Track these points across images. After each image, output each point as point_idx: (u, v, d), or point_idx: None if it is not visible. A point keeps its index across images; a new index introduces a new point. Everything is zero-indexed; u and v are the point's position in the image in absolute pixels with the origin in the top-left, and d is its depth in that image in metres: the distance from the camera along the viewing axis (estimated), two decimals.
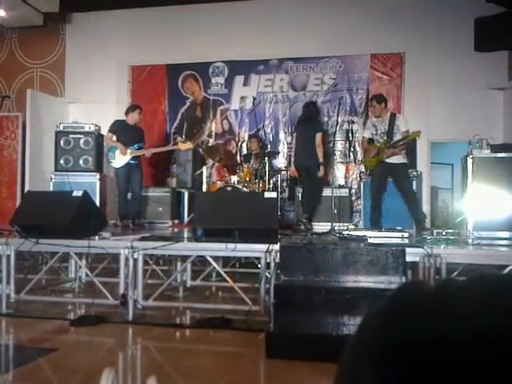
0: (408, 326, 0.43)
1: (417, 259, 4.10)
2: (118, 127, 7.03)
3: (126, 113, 7.14)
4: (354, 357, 0.46)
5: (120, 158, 6.87)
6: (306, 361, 3.25)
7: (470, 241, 4.61)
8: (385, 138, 6.09)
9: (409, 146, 6.18)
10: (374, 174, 6.33)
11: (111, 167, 7.09)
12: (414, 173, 6.76)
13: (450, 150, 8.59)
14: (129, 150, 6.87)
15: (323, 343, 3.30)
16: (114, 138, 6.95)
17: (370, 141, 6.26)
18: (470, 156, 4.74)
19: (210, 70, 9.13)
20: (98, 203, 6.47)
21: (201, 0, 8.88)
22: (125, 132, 6.95)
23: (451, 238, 4.87)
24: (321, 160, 6.82)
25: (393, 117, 6.15)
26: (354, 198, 8.06)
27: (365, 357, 0.44)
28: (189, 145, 7.41)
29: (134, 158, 6.92)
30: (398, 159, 6.11)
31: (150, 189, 7.75)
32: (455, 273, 4.34)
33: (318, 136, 6.87)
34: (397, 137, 6.05)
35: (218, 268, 4.98)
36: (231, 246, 4.31)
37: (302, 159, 6.94)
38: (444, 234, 4.96)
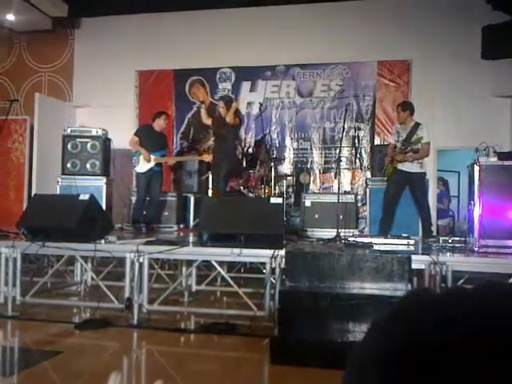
0: (412, 330, 0.43)
1: (423, 267, 4.08)
2: (143, 132, 7.12)
3: (153, 119, 7.23)
4: (359, 361, 0.46)
5: (143, 164, 6.95)
6: (311, 367, 3.24)
7: (476, 249, 4.59)
8: (401, 147, 6.06)
9: (423, 155, 6.09)
10: (389, 182, 6.31)
11: (134, 171, 7.17)
12: None
13: (457, 157, 8.58)
14: (153, 157, 6.94)
15: (328, 350, 3.29)
16: (139, 142, 7.03)
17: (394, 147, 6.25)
18: (477, 163, 4.73)
19: (217, 75, 9.16)
20: (104, 207, 6.49)
21: (208, 6, 8.92)
22: (149, 138, 7.03)
23: (457, 245, 4.85)
24: None
25: (415, 126, 6.11)
26: (360, 205, 8.05)
27: (369, 360, 0.45)
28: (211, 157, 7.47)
29: (156, 165, 7.00)
30: (414, 168, 6.06)
31: (160, 194, 7.78)
32: (461, 281, 4.32)
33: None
34: (416, 146, 5.99)
35: (223, 273, 4.98)
36: (237, 251, 4.31)
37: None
38: (450, 241, 4.94)
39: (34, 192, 7.82)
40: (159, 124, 7.16)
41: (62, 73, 9.77)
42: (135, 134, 7.11)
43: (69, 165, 7.29)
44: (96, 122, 7.98)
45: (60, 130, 7.60)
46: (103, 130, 7.47)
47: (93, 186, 6.94)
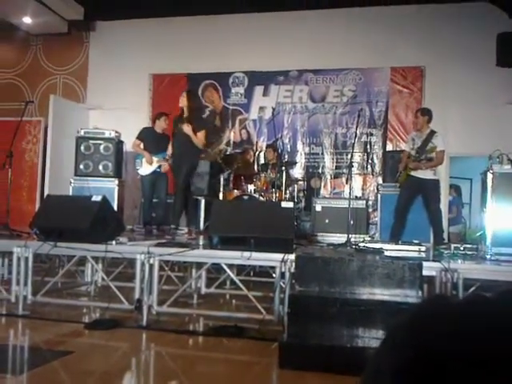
0: (428, 340, 0.43)
1: (434, 273, 4.05)
2: (146, 135, 7.13)
3: (153, 121, 7.26)
4: (374, 369, 0.46)
5: (146, 166, 6.96)
6: (319, 372, 3.23)
7: (488, 256, 4.55)
8: (415, 155, 6.03)
9: (437, 163, 6.05)
10: (402, 188, 6.30)
11: (138, 174, 7.18)
12: None
13: (469, 164, 8.53)
14: (155, 159, 6.95)
15: (337, 355, 3.28)
16: (142, 145, 7.04)
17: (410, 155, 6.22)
18: (490, 171, 4.70)
19: (230, 79, 9.20)
20: (115, 208, 6.53)
21: (222, 11, 8.97)
22: (152, 140, 7.04)
23: (469, 253, 4.81)
24: None
25: (431, 134, 6.08)
26: (370, 210, 8.02)
27: (384, 369, 0.44)
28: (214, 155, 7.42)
29: (160, 167, 7.01)
30: (428, 175, 6.02)
31: (167, 196, 7.80)
32: (472, 288, 4.28)
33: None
34: (430, 155, 5.96)
35: (233, 276, 4.98)
36: (246, 254, 4.31)
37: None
38: (462, 248, 4.91)
39: (46, 193, 7.89)
40: (160, 125, 7.18)
41: (77, 75, 9.87)
42: (137, 138, 7.11)
43: (81, 166, 7.34)
44: (109, 125, 8.04)
45: (73, 131, 7.66)
46: (116, 132, 7.51)
47: (105, 188, 6.97)
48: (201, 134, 6.46)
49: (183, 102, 6.54)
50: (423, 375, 0.41)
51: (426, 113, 6.23)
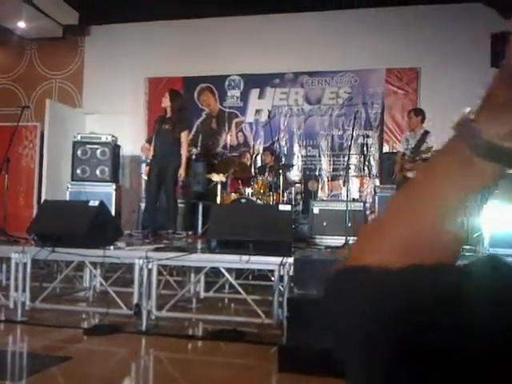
0: (432, 334, 0.41)
1: None
2: None
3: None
4: (367, 354, 0.44)
5: None
6: (319, 376, 3.23)
7: None
8: (410, 155, 6.06)
9: None
10: (398, 189, 6.32)
11: (142, 178, 7.18)
12: None
13: None
14: None
15: (336, 358, 3.27)
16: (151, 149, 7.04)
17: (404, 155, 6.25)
18: None
19: (226, 82, 9.21)
20: (113, 213, 6.52)
21: (217, 14, 8.98)
22: None
23: (467, 254, 4.82)
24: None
25: (425, 134, 6.11)
26: (368, 212, 8.02)
27: (379, 362, 0.43)
28: (221, 177, 7.40)
29: None
30: None
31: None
32: None
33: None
34: (426, 155, 5.99)
35: (232, 280, 4.98)
36: (245, 258, 4.31)
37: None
38: None
39: (43, 198, 7.88)
40: None
41: (72, 80, 9.86)
42: (147, 141, 7.11)
43: (78, 171, 7.34)
44: (105, 129, 8.04)
45: (70, 136, 7.66)
46: (113, 136, 7.51)
47: (102, 193, 6.98)
48: (184, 135, 6.45)
49: (166, 102, 6.52)
50: (418, 370, 0.40)
51: (419, 113, 6.27)
